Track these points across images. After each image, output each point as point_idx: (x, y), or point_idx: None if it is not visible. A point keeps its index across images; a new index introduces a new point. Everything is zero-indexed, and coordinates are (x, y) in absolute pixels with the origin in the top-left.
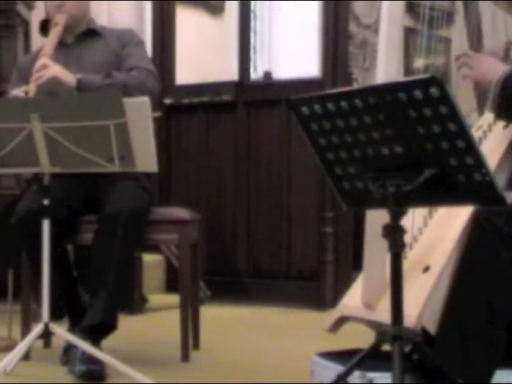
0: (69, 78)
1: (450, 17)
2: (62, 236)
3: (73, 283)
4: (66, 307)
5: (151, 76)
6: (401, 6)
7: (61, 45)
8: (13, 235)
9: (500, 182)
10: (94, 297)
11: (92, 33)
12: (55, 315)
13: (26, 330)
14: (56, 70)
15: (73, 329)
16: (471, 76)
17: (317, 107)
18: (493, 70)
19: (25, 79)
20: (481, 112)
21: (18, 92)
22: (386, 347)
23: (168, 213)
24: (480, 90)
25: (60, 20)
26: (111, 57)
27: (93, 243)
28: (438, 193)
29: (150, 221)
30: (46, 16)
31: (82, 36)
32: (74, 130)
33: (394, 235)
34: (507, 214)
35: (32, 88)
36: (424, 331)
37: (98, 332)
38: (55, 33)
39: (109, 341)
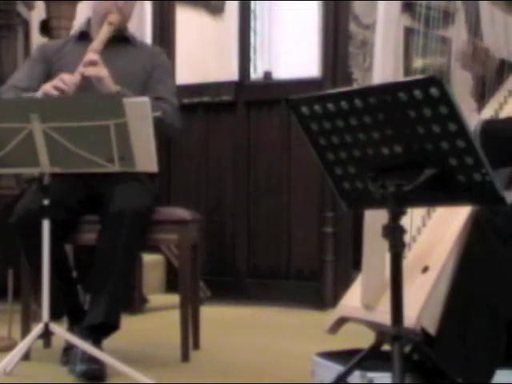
0: (110, 86)
1: (450, 16)
2: (60, 236)
3: (72, 283)
4: (64, 307)
5: (177, 113)
6: (397, 5)
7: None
8: (12, 235)
9: (499, 180)
10: (97, 296)
11: (125, 40)
12: (53, 315)
13: (25, 330)
14: (105, 73)
15: (72, 329)
16: None
17: (317, 107)
18: None
19: (45, 64)
20: (479, 112)
21: (64, 76)
22: (386, 347)
23: (168, 213)
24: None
25: (115, 20)
26: (140, 71)
27: (96, 243)
28: (438, 193)
29: (150, 221)
30: (47, 16)
31: (114, 41)
32: (73, 130)
33: (394, 235)
34: (507, 213)
35: (77, 78)
36: (424, 331)
37: (100, 332)
38: (107, 31)
39: (109, 341)
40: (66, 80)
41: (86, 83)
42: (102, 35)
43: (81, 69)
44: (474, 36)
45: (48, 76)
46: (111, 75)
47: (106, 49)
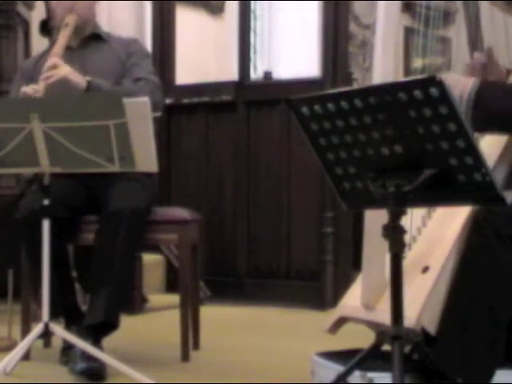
0: (79, 79)
1: (450, 16)
2: (62, 236)
3: (70, 283)
4: (62, 307)
5: (158, 89)
6: (397, 5)
7: (66, 48)
8: (15, 232)
9: (498, 180)
10: (96, 296)
11: (97, 37)
12: (51, 314)
13: (25, 330)
14: (67, 71)
15: (69, 328)
16: None
17: (317, 107)
18: (461, 84)
19: (28, 80)
20: None
21: (27, 89)
22: (386, 347)
23: (168, 213)
24: None
25: (70, 21)
26: (116, 64)
27: (95, 242)
28: (438, 193)
29: (150, 221)
30: (47, 16)
31: (87, 40)
32: (74, 129)
33: (394, 235)
34: (506, 214)
35: (41, 86)
36: (424, 331)
37: (100, 331)
38: (65, 33)
39: (109, 340)
40: (30, 92)
41: (57, 85)
42: (61, 39)
43: (43, 76)
44: (474, 37)
45: None
46: (88, 73)
47: (81, 48)
